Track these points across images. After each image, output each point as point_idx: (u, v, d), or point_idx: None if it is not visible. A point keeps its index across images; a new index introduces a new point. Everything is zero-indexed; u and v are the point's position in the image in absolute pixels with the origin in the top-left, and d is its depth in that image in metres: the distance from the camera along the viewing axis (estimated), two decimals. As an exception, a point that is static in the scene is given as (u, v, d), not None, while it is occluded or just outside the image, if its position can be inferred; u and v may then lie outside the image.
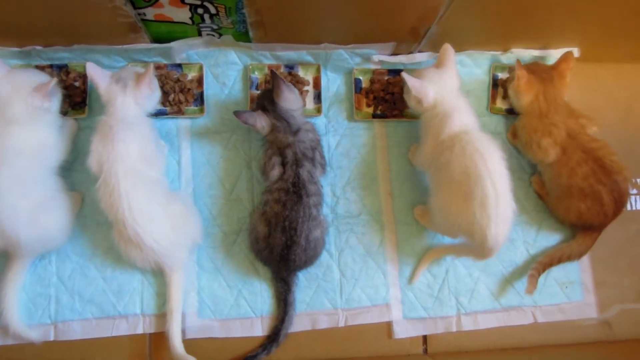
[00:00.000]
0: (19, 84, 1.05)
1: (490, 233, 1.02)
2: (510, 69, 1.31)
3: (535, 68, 1.22)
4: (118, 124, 1.04)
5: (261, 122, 1.13)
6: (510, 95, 1.24)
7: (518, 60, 1.21)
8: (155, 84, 1.14)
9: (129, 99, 1.07)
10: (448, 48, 1.14)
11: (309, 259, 1.14)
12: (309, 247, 1.11)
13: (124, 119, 1.06)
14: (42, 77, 1.08)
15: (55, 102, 1.10)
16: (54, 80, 1.06)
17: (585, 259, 1.26)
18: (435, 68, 1.15)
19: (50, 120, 1.10)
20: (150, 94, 1.10)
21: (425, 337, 1.22)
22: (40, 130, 1.08)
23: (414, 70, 1.18)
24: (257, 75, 1.27)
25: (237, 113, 1.13)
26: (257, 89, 1.26)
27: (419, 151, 1.18)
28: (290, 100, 1.13)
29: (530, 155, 1.22)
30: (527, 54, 1.30)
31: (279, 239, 1.09)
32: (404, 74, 1.11)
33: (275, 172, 1.13)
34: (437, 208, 1.12)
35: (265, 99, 1.14)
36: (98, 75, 1.07)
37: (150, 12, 1.10)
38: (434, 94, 1.11)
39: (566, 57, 1.22)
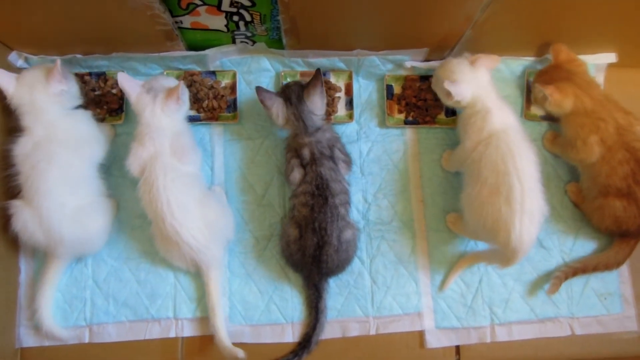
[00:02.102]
0: (32, 81, 1.08)
1: (514, 230, 1.01)
2: (540, 70, 1.27)
3: (549, 75, 1.20)
4: (152, 131, 1.08)
5: (278, 110, 1.13)
6: (552, 110, 1.19)
7: (536, 81, 1.20)
8: (185, 97, 1.15)
9: (157, 109, 1.09)
10: (496, 60, 1.15)
11: (341, 262, 1.13)
12: (341, 249, 1.10)
13: (157, 127, 1.08)
14: (48, 65, 1.11)
15: (72, 84, 1.13)
16: (58, 61, 1.08)
17: (625, 270, 1.23)
18: (469, 64, 1.13)
19: (82, 111, 1.14)
20: (177, 108, 1.11)
21: (458, 348, 1.19)
22: (78, 121, 1.12)
23: (444, 63, 1.17)
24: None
25: (258, 88, 1.13)
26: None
27: (458, 149, 1.17)
28: (317, 104, 1.13)
29: (573, 154, 1.18)
30: (563, 59, 1.27)
31: (310, 239, 1.09)
32: (447, 84, 1.10)
33: (296, 175, 1.12)
34: (464, 205, 1.11)
35: (292, 92, 1.13)
36: (129, 85, 1.10)
37: (187, 20, 1.12)
38: (472, 92, 1.11)
39: (556, 48, 1.20)
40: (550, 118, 1.25)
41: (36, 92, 1.07)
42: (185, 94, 1.15)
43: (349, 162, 1.18)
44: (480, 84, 1.12)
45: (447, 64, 1.16)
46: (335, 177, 1.12)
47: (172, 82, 1.15)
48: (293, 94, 1.13)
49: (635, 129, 1.13)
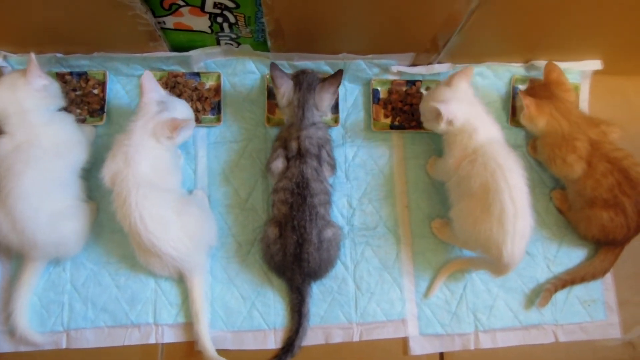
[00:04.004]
0: (13, 82, 1.06)
1: (506, 249, 1.02)
2: (531, 81, 1.29)
3: (535, 90, 1.21)
4: (133, 145, 1.05)
5: (286, 89, 1.12)
6: (525, 124, 1.21)
7: (521, 91, 1.20)
8: (184, 135, 1.11)
9: (149, 126, 1.06)
10: (470, 71, 1.12)
11: (323, 262, 1.11)
12: (322, 247, 1.09)
13: (138, 142, 1.05)
14: (28, 70, 1.08)
15: (52, 81, 1.11)
16: (32, 55, 1.05)
17: (609, 277, 1.23)
18: (449, 86, 1.11)
19: (64, 116, 1.12)
20: (169, 139, 1.07)
21: (442, 355, 1.18)
22: (60, 125, 1.10)
23: (430, 90, 1.17)
24: (275, 85, 1.26)
25: (273, 64, 1.12)
26: (274, 98, 1.25)
27: (442, 163, 1.16)
28: (325, 102, 1.13)
29: (554, 170, 1.19)
30: (549, 66, 1.27)
31: (290, 237, 1.08)
32: (439, 106, 1.07)
33: (279, 165, 1.12)
34: (455, 220, 1.10)
35: (305, 80, 1.12)
36: (150, 86, 1.08)
37: (170, 21, 1.10)
38: (463, 111, 1.08)
39: (549, 67, 1.20)
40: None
41: (18, 92, 1.05)
42: (186, 132, 1.11)
43: (333, 166, 1.17)
44: (467, 99, 1.10)
45: (428, 95, 1.15)
46: (317, 176, 1.11)
47: (188, 113, 1.13)
48: (305, 81, 1.12)
49: (610, 137, 1.14)
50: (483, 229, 1.03)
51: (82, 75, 1.24)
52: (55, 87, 1.12)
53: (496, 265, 1.07)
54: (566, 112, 1.16)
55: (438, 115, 1.08)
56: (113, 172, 1.04)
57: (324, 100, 1.13)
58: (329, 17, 1.07)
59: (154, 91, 1.09)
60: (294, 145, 1.11)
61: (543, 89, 1.20)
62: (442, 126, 1.10)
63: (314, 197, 1.09)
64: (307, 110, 1.12)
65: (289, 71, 1.23)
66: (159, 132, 1.06)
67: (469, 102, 1.10)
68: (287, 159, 1.12)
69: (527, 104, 1.17)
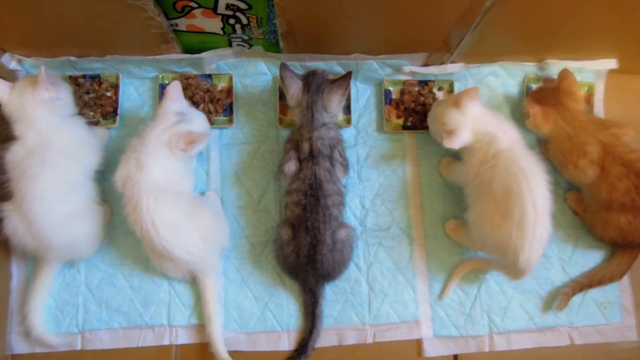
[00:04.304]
0: (23, 89, 1.06)
1: (523, 255, 1.01)
2: (544, 80, 1.27)
3: (543, 95, 1.19)
4: (146, 151, 1.04)
5: (296, 90, 1.12)
6: (529, 127, 1.20)
7: (527, 97, 1.19)
8: (198, 148, 1.11)
9: (165, 137, 1.05)
10: (477, 92, 1.09)
11: (337, 264, 1.11)
12: (336, 248, 1.09)
13: (152, 150, 1.05)
14: (37, 82, 1.08)
15: (63, 92, 1.10)
16: (42, 68, 1.05)
17: (625, 279, 1.21)
18: (457, 108, 1.08)
19: (75, 119, 1.12)
20: (184, 151, 1.07)
21: (456, 357, 1.17)
22: (72, 129, 1.10)
23: (436, 105, 1.16)
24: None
25: (283, 64, 1.12)
26: (286, 99, 1.25)
27: (460, 169, 1.15)
28: (333, 104, 1.13)
29: (567, 176, 1.18)
30: (562, 65, 1.25)
31: (303, 239, 1.07)
32: (445, 142, 1.07)
33: (291, 167, 1.11)
34: (472, 222, 1.09)
35: (314, 81, 1.12)
36: (175, 95, 1.08)
37: (183, 23, 1.10)
38: (471, 133, 1.07)
39: (563, 75, 1.18)
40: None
41: (25, 101, 1.05)
42: (201, 145, 1.11)
43: (346, 167, 1.16)
44: (474, 120, 1.08)
45: (436, 114, 1.14)
46: (330, 177, 1.10)
47: (205, 127, 1.13)
48: (314, 83, 1.12)
49: (623, 139, 1.12)
50: (502, 233, 1.02)
51: (95, 78, 1.25)
52: (66, 97, 1.11)
53: (512, 269, 1.06)
54: (572, 120, 1.15)
55: (444, 139, 1.08)
56: (125, 177, 1.04)
57: (333, 101, 1.13)
58: (341, 18, 1.06)
59: (176, 101, 1.09)
60: (305, 146, 1.11)
61: (552, 95, 1.18)
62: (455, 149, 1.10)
63: (327, 198, 1.09)
64: (316, 112, 1.11)
65: (301, 72, 1.23)
66: (174, 144, 1.06)
67: (480, 122, 1.08)
68: (300, 161, 1.11)
69: (534, 112, 1.16)
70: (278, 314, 1.17)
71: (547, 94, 1.18)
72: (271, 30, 1.14)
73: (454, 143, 1.07)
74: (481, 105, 1.10)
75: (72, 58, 1.20)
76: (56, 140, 1.06)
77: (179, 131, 1.06)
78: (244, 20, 1.09)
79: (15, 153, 1.04)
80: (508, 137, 1.08)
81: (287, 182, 1.13)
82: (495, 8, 1.00)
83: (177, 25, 1.11)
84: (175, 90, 1.09)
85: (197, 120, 1.11)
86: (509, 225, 1.01)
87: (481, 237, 1.07)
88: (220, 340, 1.10)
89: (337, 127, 1.16)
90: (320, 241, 1.07)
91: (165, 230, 1.01)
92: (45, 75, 1.05)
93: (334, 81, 1.12)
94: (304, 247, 1.08)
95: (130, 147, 1.07)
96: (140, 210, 1.01)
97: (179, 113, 1.08)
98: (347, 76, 1.12)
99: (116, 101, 1.24)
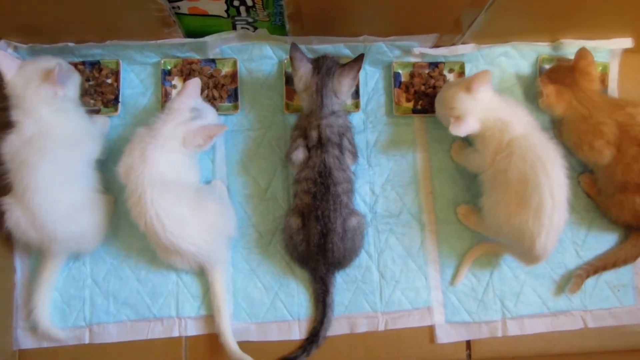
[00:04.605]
0: (30, 75, 1.02)
1: (539, 242, 1.00)
2: (558, 60, 1.24)
3: (558, 75, 1.16)
4: (154, 143, 1.02)
5: (305, 72, 1.09)
6: (543, 109, 1.18)
7: (541, 76, 1.17)
8: (213, 141, 1.09)
9: (179, 133, 1.04)
10: (488, 75, 1.05)
11: (348, 252, 1.09)
12: (346, 237, 1.07)
13: (161, 144, 1.03)
14: (50, 63, 1.04)
15: (71, 88, 1.07)
16: (57, 66, 1.01)
17: (639, 261, 1.19)
18: (468, 93, 1.05)
19: (76, 107, 1.09)
20: (197, 148, 1.06)
21: (469, 343, 1.17)
22: (71, 118, 1.07)
23: (440, 96, 1.13)
24: (293, 70, 1.22)
25: (294, 45, 1.08)
26: (292, 84, 1.21)
27: (473, 156, 1.12)
28: (344, 88, 1.09)
29: (582, 157, 1.16)
30: (577, 44, 1.21)
31: (314, 228, 1.06)
32: (451, 130, 1.05)
33: (300, 155, 1.09)
34: (488, 209, 1.07)
35: (325, 64, 1.09)
36: (191, 92, 1.07)
37: (185, 5, 1.06)
38: (480, 120, 1.05)
39: (581, 53, 1.14)
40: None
41: (29, 89, 1.02)
42: (215, 138, 1.09)
43: (355, 154, 1.13)
44: (485, 106, 1.05)
45: (444, 98, 1.11)
46: (339, 165, 1.08)
47: (217, 121, 1.13)
48: (325, 66, 1.09)
49: (639, 119, 1.09)
50: (518, 221, 1.00)
51: (95, 65, 1.20)
52: (74, 89, 1.08)
53: (527, 255, 1.04)
54: (587, 101, 1.12)
55: (450, 125, 1.05)
56: (128, 167, 1.02)
57: (343, 85, 1.09)
58: (349, -2, 1.02)
59: (192, 97, 1.07)
60: (314, 134, 1.08)
61: (567, 74, 1.15)
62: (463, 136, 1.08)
63: (337, 186, 1.06)
64: (326, 97, 1.08)
65: (308, 55, 1.19)
66: (190, 140, 1.04)
67: (490, 108, 1.05)
68: (308, 149, 1.09)
69: (548, 92, 1.13)
70: (288, 303, 1.15)
71: (562, 74, 1.15)
72: (277, 12, 1.10)
73: (461, 130, 1.04)
74: (492, 91, 1.07)
75: (71, 44, 1.16)
76: (55, 130, 1.03)
77: (195, 127, 1.04)
78: (249, 2, 1.05)
79: (12, 142, 1.01)
80: (521, 122, 1.05)
81: (296, 170, 1.11)
82: (510, -14, 0.96)
83: (179, 8, 1.07)
84: (194, 87, 1.07)
85: (210, 115, 1.09)
86: (526, 213, 0.99)
87: (496, 224, 1.06)
88: (230, 332, 1.09)
89: (346, 114, 1.14)
90: (331, 230, 1.05)
91: (171, 224, 0.99)
92: (59, 75, 1.01)
93: (344, 65, 1.09)
94: (314, 236, 1.06)
95: (136, 138, 1.04)
96: (144, 203, 0.99)
97: (193, 109, 1.06)
98: (359, 59, 1.08)
99: (117, 88, 1.20)
